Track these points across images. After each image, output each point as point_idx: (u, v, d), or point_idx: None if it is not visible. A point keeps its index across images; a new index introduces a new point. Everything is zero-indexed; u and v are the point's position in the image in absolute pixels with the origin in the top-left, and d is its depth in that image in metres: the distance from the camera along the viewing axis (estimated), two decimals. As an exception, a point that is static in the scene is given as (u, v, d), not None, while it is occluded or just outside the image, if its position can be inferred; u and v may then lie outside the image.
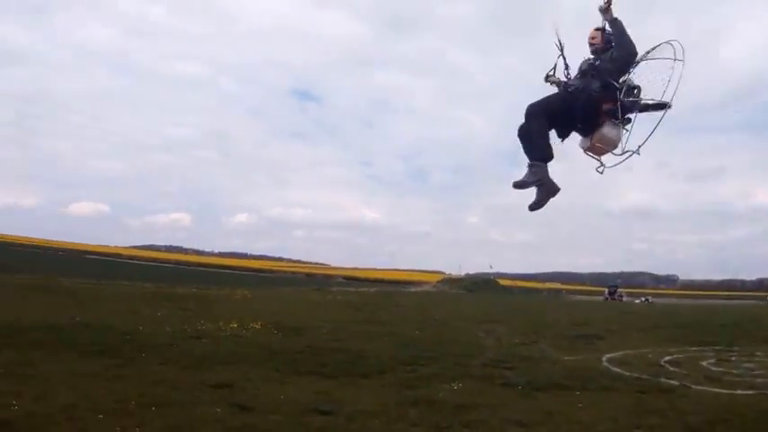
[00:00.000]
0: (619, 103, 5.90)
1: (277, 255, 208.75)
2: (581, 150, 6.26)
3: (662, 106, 5.91)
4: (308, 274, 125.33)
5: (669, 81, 5.87)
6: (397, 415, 8.68)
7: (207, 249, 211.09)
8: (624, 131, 6.09)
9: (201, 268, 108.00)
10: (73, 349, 12.55)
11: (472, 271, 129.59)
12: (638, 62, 6.08)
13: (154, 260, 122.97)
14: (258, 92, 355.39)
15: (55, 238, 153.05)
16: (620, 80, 5.98)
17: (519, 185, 5.88)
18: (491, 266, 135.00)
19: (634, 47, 5.96)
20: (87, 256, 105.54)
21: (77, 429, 7.42)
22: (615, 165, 6.14)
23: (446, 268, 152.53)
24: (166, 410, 8.30)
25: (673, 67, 5.88)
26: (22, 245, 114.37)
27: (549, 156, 5.88)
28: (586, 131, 6.12)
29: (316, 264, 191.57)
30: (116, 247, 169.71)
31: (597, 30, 6.24)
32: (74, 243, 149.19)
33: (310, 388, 10.26)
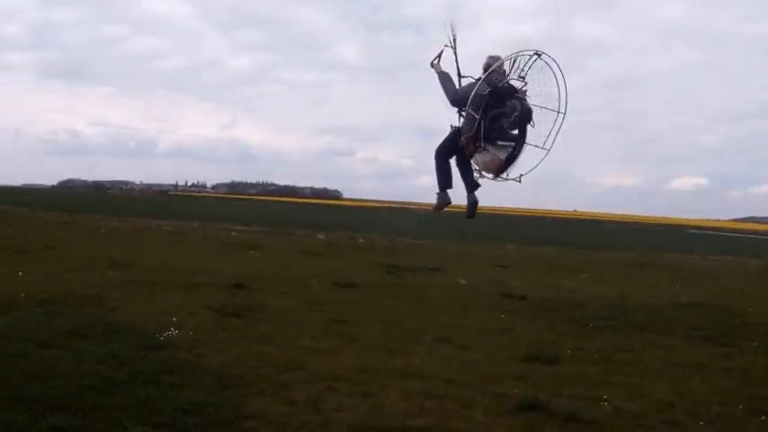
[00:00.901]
0: (473, 134, 5.86)
1: None
2: None
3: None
4: None
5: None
6: None
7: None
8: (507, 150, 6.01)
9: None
10: (674, 334, 12.00)
11: None
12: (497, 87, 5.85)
13: (755, 233, 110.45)
14: None
15: (655, 214, 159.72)
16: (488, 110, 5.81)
17: (433, 211, 6.76)
18: None
19: (449, 96, 6.27)
20: (689, 231, 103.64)
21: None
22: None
23: None
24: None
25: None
26: (620, 222, 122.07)
27: (448, 185, 6.44)
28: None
29: None
30: (717, 220, 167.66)
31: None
32: (675, 218, 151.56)
33: None
